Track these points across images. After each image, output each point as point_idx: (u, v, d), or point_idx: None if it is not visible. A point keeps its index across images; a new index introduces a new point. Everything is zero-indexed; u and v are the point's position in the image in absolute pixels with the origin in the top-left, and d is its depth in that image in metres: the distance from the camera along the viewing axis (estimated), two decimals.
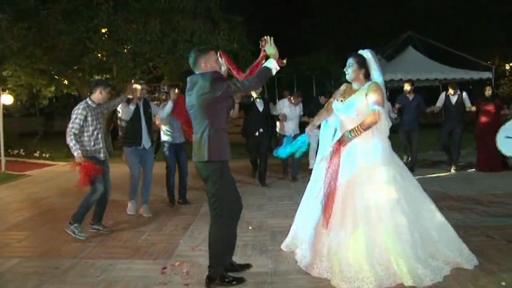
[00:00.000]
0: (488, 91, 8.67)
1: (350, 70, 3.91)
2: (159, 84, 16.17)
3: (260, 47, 3.66)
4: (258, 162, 8.27)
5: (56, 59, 12.42)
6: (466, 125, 9.08)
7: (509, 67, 23.99)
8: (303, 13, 26.11)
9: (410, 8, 22.89)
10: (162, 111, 6.41)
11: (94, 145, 5.20)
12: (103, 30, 12.30)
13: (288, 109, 8.42)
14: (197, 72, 3.60)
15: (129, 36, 11.90)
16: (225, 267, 3.72)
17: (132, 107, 6.01)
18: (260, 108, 7.82)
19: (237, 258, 4.19)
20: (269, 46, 3.60)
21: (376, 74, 3.87)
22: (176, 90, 6.52)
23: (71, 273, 4.06)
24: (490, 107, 8.56)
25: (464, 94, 8.89)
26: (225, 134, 3.58)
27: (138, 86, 6.04)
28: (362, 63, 3.88)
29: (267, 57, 3.61)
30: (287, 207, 6.29)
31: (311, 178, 4.27)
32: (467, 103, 8.78)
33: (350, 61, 3.92)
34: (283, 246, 4.43)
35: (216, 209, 3.57)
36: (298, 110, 8.55)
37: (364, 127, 3.72)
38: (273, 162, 8.73)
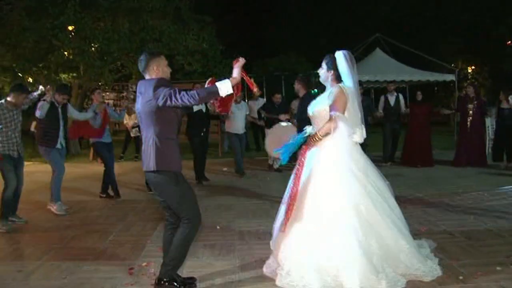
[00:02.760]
0: (418, 96, 9.71)
1: (321, 72, 3.88)
2: (127, 83, 16.00)
3: (232, 64, 3.35)
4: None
5: (20, 56, 12.10)
6: (403, 124, 10.14)
7: (471, 70, 24.82)
8: (273, 14, 26.28)
9: (380, 11, 23.43)
10: (81, 115, 6.89)
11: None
12: (70, 28, 12.07)
13: (234, 107, 8.57)
14: (147, 77, 3.49)
15: (97, 35, 11.72)
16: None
17: (47, 103, 6.00)
18: (203, 108, 7.88)
19: (205, 258, 4.23)
20: (236, 68, 3.30)
21: (347, 78, 3.76)
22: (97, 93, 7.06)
23: (35, 276, 3.98)
24: (422, 109, 9.60)
25: (401, 96, 9.93)
26: (173, 143, 3.44)
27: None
28: (331, 65, 3.80)
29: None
30: (255, 206, 6.34)
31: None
32: (402, 105, 9.88)
33: (323, 62, 3.88)
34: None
35: (183, 216, 3.46)
36: (244, 109, 8.98)
37: (322, 133, 3.65)
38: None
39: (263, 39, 25.39)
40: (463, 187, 7.28)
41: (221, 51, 14.30)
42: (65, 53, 12.30)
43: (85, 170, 10.08)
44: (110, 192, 7.16)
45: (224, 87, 3.20)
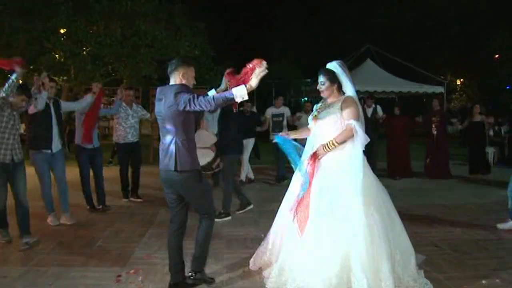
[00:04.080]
0: (396, 111, 9.90)
1: (323, 87, 3.86)
2: (117, 88, 15.96)
3: (250, 64, 3.38)
4: None
5: (10, 58, 12.01)
6: (380, 136, 10.18)
7: (459, 82, 25.14)
8: (265, 22, 26.40)
9: (370, 22, 23.66)
10: (79, 104, 6.37)
11: None
12: (62, 31, 12.03)
13: (208, 116, 8.30)
14: (171, 81, 3.64)
15: (89, 38, 11.71)
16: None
17: (44, 95, 5.46)
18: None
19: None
20: (256, 74, 3.29)
21: (348, 87, 3.84)
22: (99, 85, 6.56)
23: (21, 282, 3.94)
24: (399, 122, 9.76)
25: (378, 107, 10.09)
26: (193, 144, 3.65)
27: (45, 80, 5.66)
28: (333, 79, 3.83)
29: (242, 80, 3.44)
30: (243, 215, 6.33)
31: (288, 191, 4.10)
32: (379, 112, 9.98)
33: (321, 78, 3.86)
34: (251, 264, 4.19)
35: (205, 212, 3.76)
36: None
37: (340, 141, 3.67)
38: None
39: (257, 46, 25.46)
40: (449, 199, 7.35)
41: (212, 58, 14.35)
42: (56, 55, 12.26)
43: (73, 175, 9.98)
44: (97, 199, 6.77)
45: (240, 94, 3.28)
